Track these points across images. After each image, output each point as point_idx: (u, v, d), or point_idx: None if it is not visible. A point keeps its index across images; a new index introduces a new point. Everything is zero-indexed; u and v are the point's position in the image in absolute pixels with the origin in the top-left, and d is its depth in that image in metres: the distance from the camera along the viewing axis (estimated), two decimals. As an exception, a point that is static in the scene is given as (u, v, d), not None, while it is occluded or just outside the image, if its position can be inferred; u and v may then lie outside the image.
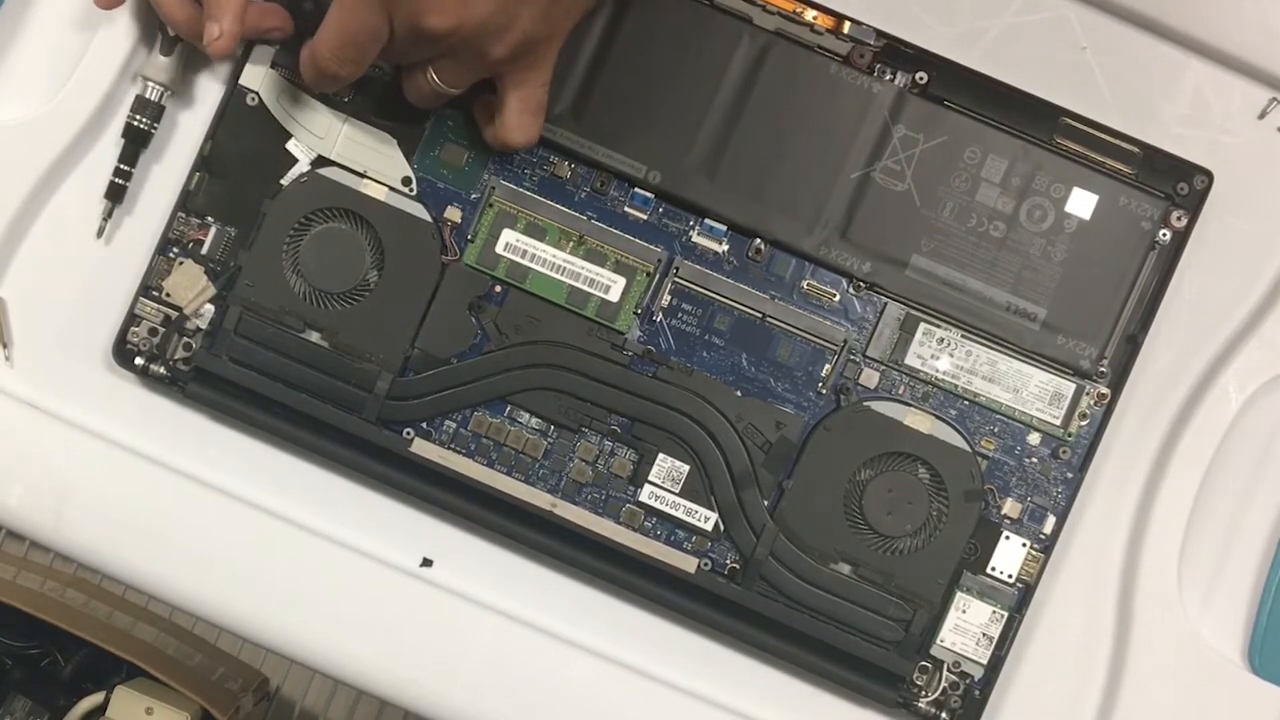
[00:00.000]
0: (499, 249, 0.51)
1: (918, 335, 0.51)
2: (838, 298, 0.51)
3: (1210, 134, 0.52)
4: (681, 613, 0.51)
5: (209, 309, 0.52)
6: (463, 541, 0.53)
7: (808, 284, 0.51)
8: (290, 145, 0.51)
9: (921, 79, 0.50)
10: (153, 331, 0.52)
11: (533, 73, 0.47)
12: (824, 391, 0.51)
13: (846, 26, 0.51)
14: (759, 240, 0.51)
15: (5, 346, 0.54)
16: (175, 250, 0.52)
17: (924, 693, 0.51)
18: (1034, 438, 0.51)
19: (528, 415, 0.52)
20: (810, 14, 0.51)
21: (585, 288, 0.51)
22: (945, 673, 0.51)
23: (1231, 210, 0.52)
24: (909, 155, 0.50)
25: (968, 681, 0.51)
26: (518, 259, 0.51)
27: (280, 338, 0.51)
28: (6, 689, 0.74)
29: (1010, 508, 0.51)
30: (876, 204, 0.50)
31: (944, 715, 0.51)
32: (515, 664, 0.53)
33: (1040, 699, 0.52)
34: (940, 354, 0.51)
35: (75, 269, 0.53)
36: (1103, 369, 0.51)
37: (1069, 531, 0.51)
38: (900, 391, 0.51)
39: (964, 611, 0.51)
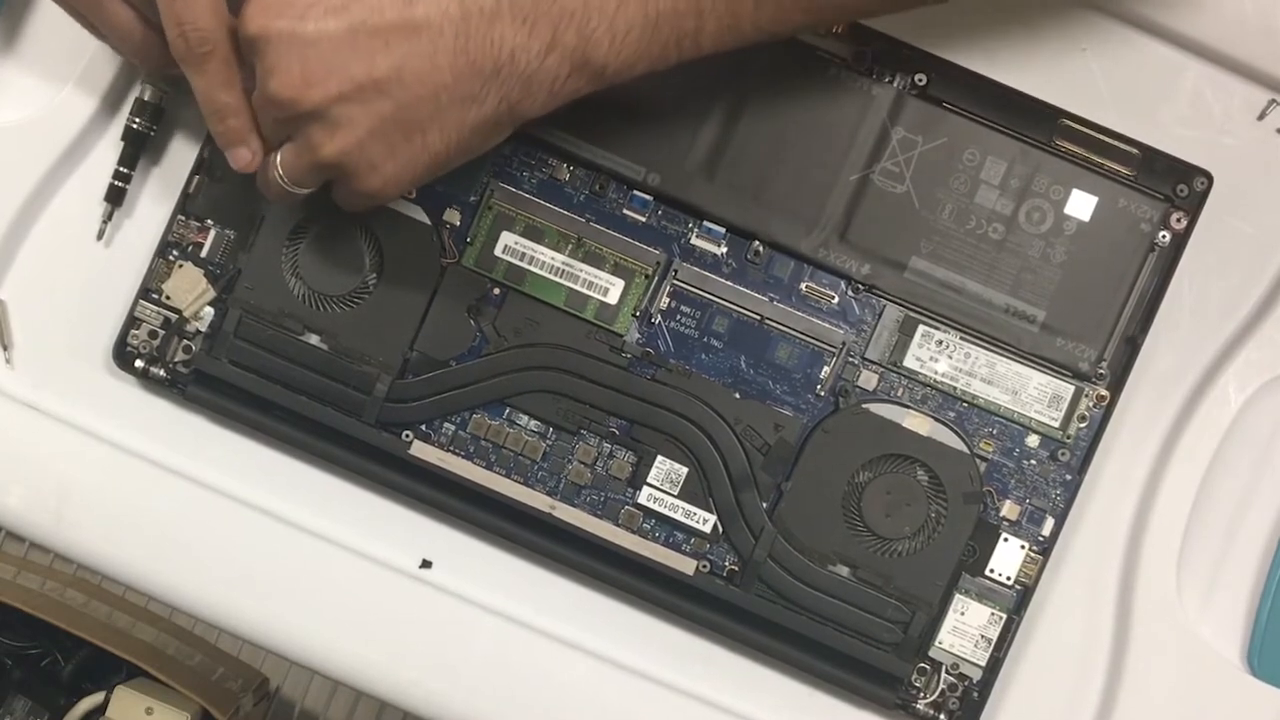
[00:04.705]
0: (498, 251, 0.51)
1: (916, 337, 0.51)
2: (836, 300, 0.51)
3: (1209, 135, 0.52)
4: (680, 614, 0.52)
5: (209, 312, 0.52)
6: (462, 543, 0.53)
7: (806, 286, 0.51)
8: (289, 147, 0.51)
9: (920, 80, 0.50)
10: (153, 334, 0.52)
11: (354, 183, 0.43)
12: (822, 394, 0.51)
13: (846, 28, 0.51)
14: (758, 242, 0.51)
15: (6, 348, 0.54)
16: (175, 253, 0.52)
17: (922, 694, 0.51)
18: (1033, 440, 0.51)
19: (526, 417, 0.52)
20: (809, 16, 0.51)
21: (584, 290, 0.51)
22: (944, 674, 0.51)
23: (1231, 211, 0.51)
24: (908, 157, 0.50)
25: (966, 683, 0.51)
26: (516, 261, 0.51)
27: (280, 340, 0.51)
28: (6, 689, 0.74)
29: (1009, 510, 0.51)
30: (875, 206, 0.50)
31: (942, 717, 0.51)
32: (514, 665, 0.53)
33: (1039, 701, 0.52)
34: (939, 356, 0.51)
35: (75, 271, 0.54)
36: (1102, 371, 0.51)
37: (1068, 533, 0.51)
38: (899, 393, 0.51)
39: (962, 613, 0.51)
